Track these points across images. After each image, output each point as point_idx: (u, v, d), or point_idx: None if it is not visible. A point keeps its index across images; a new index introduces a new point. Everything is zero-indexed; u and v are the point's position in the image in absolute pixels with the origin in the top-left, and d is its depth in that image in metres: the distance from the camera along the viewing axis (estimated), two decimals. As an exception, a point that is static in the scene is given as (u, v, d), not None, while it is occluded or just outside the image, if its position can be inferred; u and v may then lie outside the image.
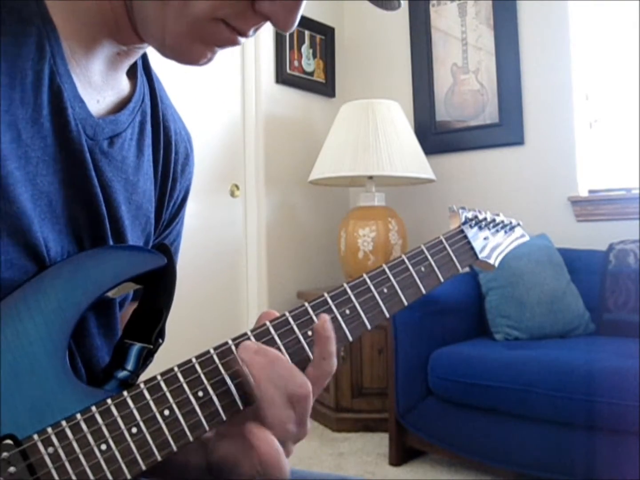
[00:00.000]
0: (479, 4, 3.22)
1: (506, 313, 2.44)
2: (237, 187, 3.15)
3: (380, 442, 2.60)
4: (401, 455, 2.42)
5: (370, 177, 3.05)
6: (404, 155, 2.89)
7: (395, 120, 2.96)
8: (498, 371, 2.10)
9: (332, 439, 2.72)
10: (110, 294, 0.55)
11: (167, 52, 0.55)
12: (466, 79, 3.27)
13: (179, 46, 0.54)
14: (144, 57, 0.67)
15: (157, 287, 0.59)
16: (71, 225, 0.55)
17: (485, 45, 3.20)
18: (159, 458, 0.49)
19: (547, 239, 2.68)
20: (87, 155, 0.55)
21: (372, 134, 2.89)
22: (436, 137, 3.35)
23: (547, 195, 2.98)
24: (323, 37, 3.55)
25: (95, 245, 0.57)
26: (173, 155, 0.68)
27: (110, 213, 0.57)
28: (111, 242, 0.58)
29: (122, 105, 0.61)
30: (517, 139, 3.10)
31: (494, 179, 3.16)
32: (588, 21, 3.00)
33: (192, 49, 0.54)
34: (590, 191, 2.96)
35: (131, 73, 0.64)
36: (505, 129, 3.14)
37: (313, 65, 3.50)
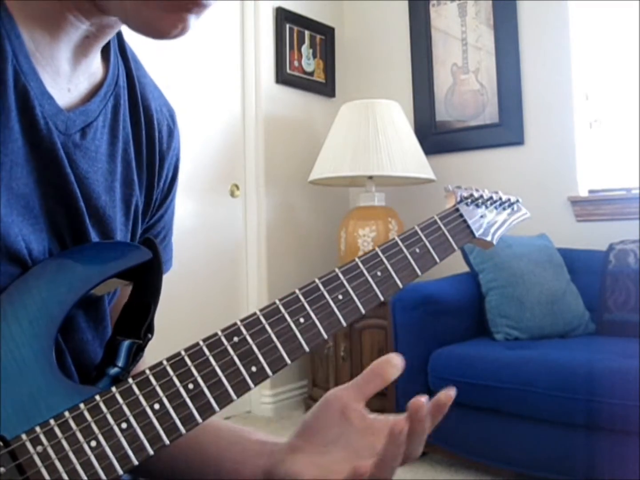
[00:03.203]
0: (479, 4, 3.22)
1: (506, 313, 2.44)
2: (237, 187, 3.15)
3: (380, 442, 2.59)
4: (401, 455, 2.42)
5: (370, 177, 3.05)
6: (404, 155, 2.89)
7: (395, 120, 2.96)
8: (498, 371, 2.10)
9: (331, 439, 2.71)
10: (97, 291, 0.55)
11: (132, 25, 0.52)
12: (466, 79, 3.27)
13: (141, 16, 0.50)
14: (119, 36, 0.65)
15: (144, 282, 0.59)
16: (50, 223, 0.54)
17: (485, 45, 3.20)
18: (151, 452, 0.48)
19: (547, 239, 2.68)
20: (61, 151, 0.54)
21: (372, 134, 2.88)
22: (436, 137, 3.35)
23: (547, 195, 2.98)
24: (323, 37, 3.55)
25: (76, 240, 0.56)
26: (157, 133, 0.67)
27: (89, 205, 0.57)
28: (93, 235, 0.58)
29: (94, 91, 0.60)
30: (517, 139, 3.10)
31: (494, 179, 3.16)
32: (588, 21, 3.00)
33: (157, 18, 0.50)
34: (590, 191, 2.95)
35: (105, 55, 0.62)
36: (505, 129, 3.13)
37: (313, 65, 3.50)
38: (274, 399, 3.11)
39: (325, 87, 3.56)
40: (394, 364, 0.64)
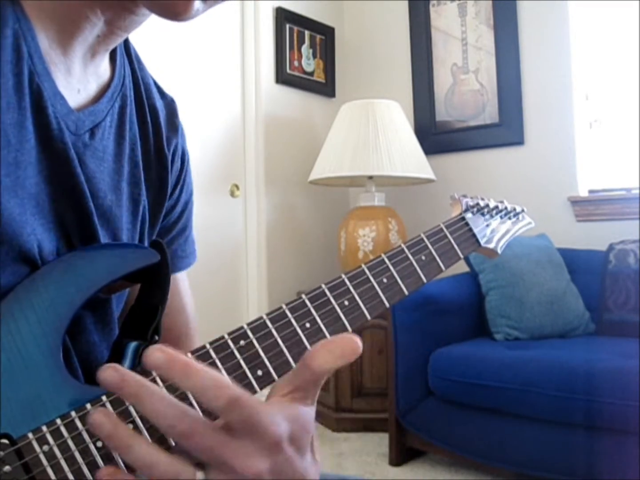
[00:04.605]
0: (479, 4, 3.22)
1: (506, 313, 2.44)
2: (237, 187, 3.15)
3: (380, 442, 2.60)
4: (401, 455, 2.42)
5: (370, 177, 3.05)
6: (404, 155, 2.89)
7: (395, 120, 2.96)
8: (498, 371, 2.10)
9: (332, 439, 2.71)
10: (105, 293, 0.55)
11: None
12: (466, 79, 3.27)
13: None
14: (126, 38, 0.66)
15: (151, 284, 0.59)
16: (59, 222, 0.55)
17: (485, 45, 3.20)
18: None
19: (547, 239, 2.68)
20: (72, 152, 0.54)
21: (372, 134, 2.89)
22: (436, 137, 3.35)
23: (547, 195, 2.98)
24: (323, 37, 3.55)
25: (84, 240, 0.56)
26: (164, 132, 0.68)
27: (96, 204, 0.57)
28: (101, 235, 0.58)
29: (102, 92, 0.60)
30: (517, 139, 3.10)
31: (494, 179, 3.16)
32: (588, 21, 3.00)
33: None
34: (590, 191, 2.96)
35: (112, 56, 0.63)
36: (505, 129, 3.14)
37: (313, 65, 3.50)
38: (274, 399, 3.11)
39: (325, 87, 3.56)
40: (330, 348, 0.46)
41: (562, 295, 2.47)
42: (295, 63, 3.39)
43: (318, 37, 3.53)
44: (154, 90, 0.69)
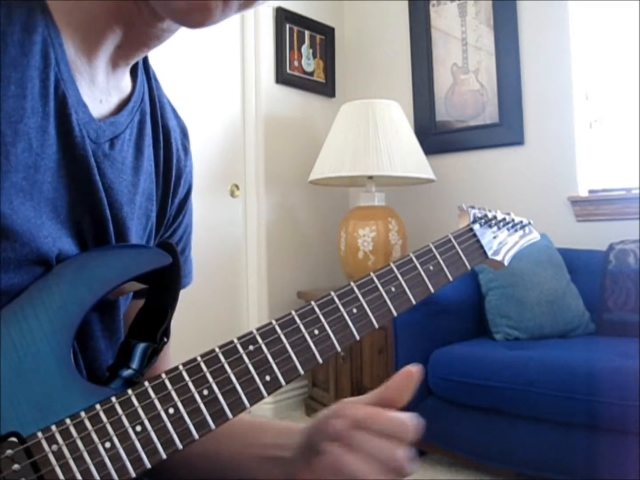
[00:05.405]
0: (479, 4, 3.22)
1: (506, 313, 2.44)
2: (237, 187, 3.15)
3: (380, 442, 2.60)
4: (401, 455, 2.42)
5: (370, 177, 3.05)
6: (404, 155, 2.89)
7: (395, 120, 2.96)
8: (498, 371, 2.11)
9: (332, 438, 2.71)
10: (114, 295, 0.55)
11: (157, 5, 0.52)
12: (466, 79, 3.28)
13: None
14: (145, 56, 0.67)
15: (161, 286, 0.59)
16: (76, 229, 0.55)
17: (485, 45, 3.21)
18: (164, 456, 0.49)
19: (547, 239, 2.68)
20: (92, 159, 0.55)
21: (372, 134, 2.89)
22: (436, 137, 3.35)
23: (547, 195, 2.98)
24: (323, 37, 3.55)
25: (99, 247, 0.57)
26: (174, 152, 0.68)
27: (112, 215, 0.58)
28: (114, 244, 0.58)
29: (123, 105, 0.61)
30: (517, 139, 3.10)
31: (494, 179, 3.17)
32: (588, 21, 3.01)
33: None
34: (590, 191, 2.96)
35: (132, 72, 0.64)
36: (505, 129, 3.14)
37: (313, 65, 3.50)
38: (273, 399, 3.11)
39: (325, 87, 3.56)
40: (411, 386, 0.58)
41: (562, 295, 2.48)
42: (295, 63, 3.39)
43: (318, 37, 3.53)
44: (169, 110, 0.70)
